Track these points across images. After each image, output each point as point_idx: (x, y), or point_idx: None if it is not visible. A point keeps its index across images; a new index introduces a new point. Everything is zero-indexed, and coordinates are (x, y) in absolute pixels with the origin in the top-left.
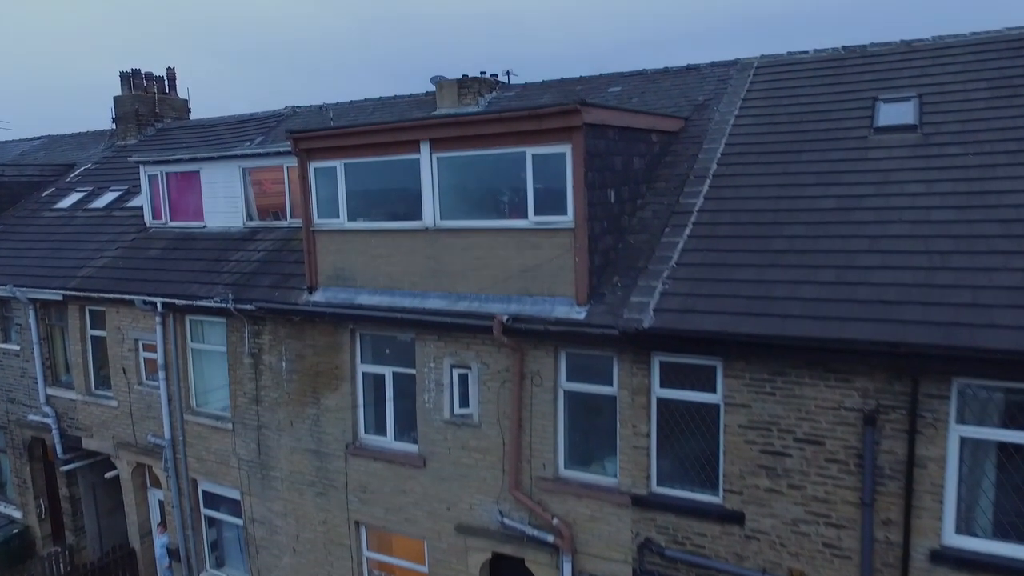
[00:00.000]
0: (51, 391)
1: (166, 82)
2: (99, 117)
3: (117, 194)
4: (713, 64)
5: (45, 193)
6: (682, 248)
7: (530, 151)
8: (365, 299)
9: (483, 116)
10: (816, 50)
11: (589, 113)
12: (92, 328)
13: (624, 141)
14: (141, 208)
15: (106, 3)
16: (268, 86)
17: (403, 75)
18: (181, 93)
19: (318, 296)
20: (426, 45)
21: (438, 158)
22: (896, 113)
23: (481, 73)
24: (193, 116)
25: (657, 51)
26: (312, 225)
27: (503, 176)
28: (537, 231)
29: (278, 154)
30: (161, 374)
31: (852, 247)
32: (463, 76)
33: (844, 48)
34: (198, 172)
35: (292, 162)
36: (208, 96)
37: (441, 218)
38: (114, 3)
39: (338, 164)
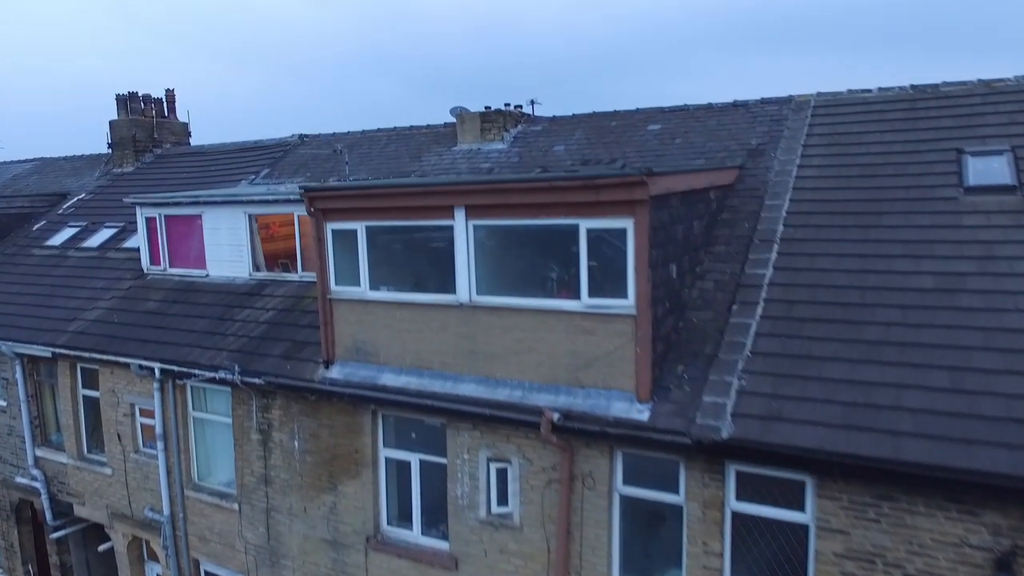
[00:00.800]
0: (40, 452)
1: (165, 105)
2: (95, 116)
3: (112, 232)
4: (763, 101)
5: (36, 227)
6: (755, 332)
7: (584, 224)
8: (389, 379)
9: (530, 183)
10: (880, 89)
11: (656, 183)
12: (84, 388)
13: (686, 206)
14: (138, 250)
15: (106, 1)
16: (265, 86)
17: (401, 75)
18: (181, 115)
19: (335, 372)
20: (424, 44)
21: (475, 226)
22: (989, 170)
23: (505, 105)
24: (190, 114)
25: (655, 51)
26: (329, 293)
27: (551, 250)
28: (591, 315)
29: (288, 201)
30: (160, 444)
31: (963, 341)
32: (486, 108)
33: (913, 87)
34: (200, 216)
35: (304, 209)
36: (206, 95)
37: (478, 293)
38: (114, 2)
39: (359, 226)
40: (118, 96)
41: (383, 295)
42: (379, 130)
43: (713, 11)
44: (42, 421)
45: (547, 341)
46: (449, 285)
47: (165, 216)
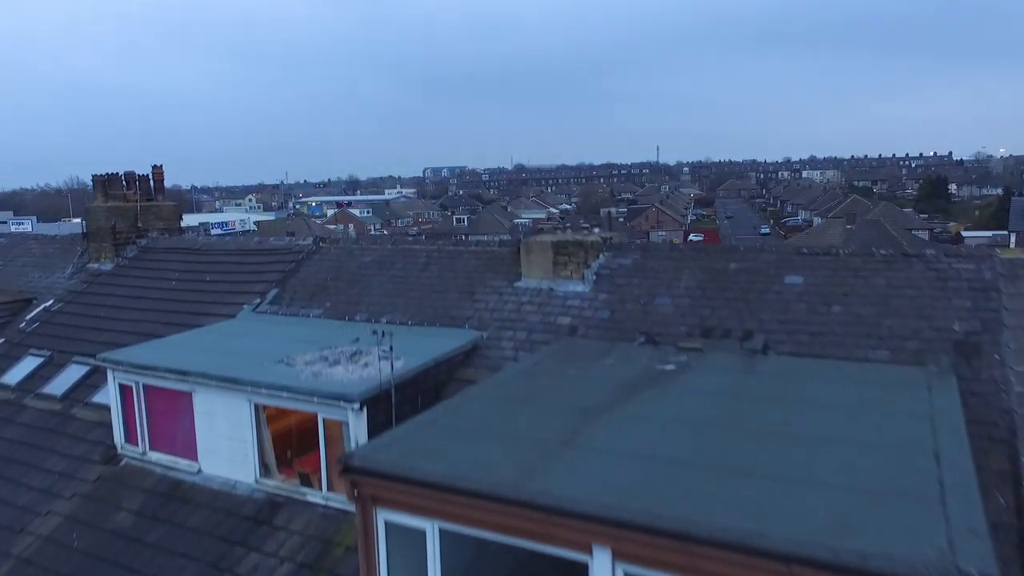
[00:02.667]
0: None
1: (152, 184)
2: (94, 117)
3: (83, 372)
4: (947, 253)
5: None
6: None
7: None
8: None
9: (742, 549)
10: None
11: None
12: None
13: None
14: (110, 410)
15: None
16: (262, 85)
17: (399, 72)
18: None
19: None
20: (421, 43)
21: (626, 572)
22: None
23: (584, 226)
24: (188, 117)
25: (655, 52)
26: None
27: None
28: None
29: (309, 398)
30: None
31: None
32: (559, 240)
33: None
34: (190, 394)
35: (329, 411)
36: (203, 95)
37: None
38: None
39: (429, 525)
40: (95, 178)
41: None
42: (413, 236)
43: (702, 11)
44: None
45: None
46: None
47: (144, 386)
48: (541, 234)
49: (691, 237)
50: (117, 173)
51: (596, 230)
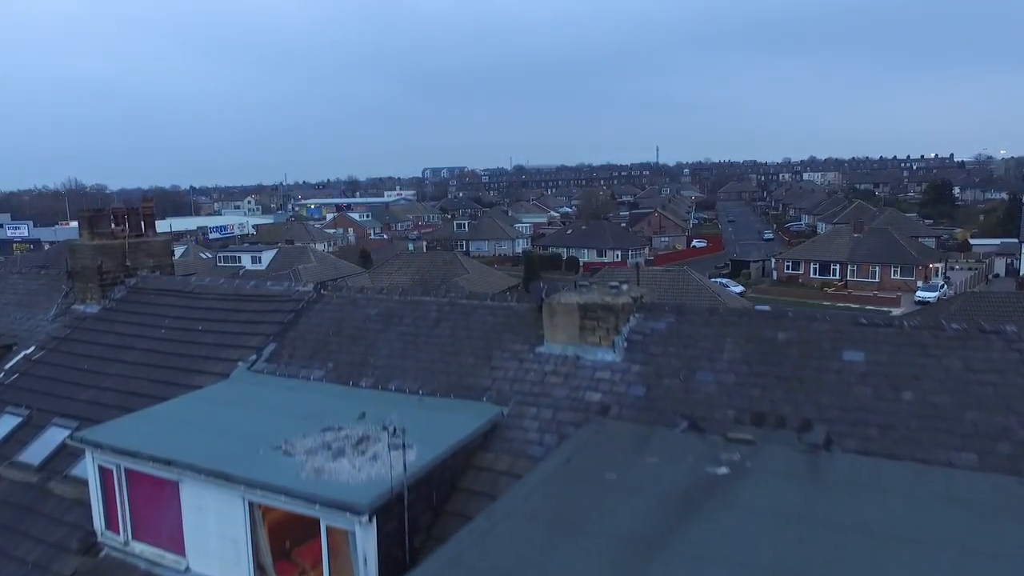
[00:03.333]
0: None
1: (141, 219)
2: (92, 118)
3: (63, 435)
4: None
5: None
6: None
7: None
8: None
9: None
10: None
11: None
12: None
13: None
14: (88, 487)
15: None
16: (260, 85)
17: (398, 73)
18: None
19: None
20: (418, 42)
21: None
22: None
23: (613, 285)
24: (187, 118)
25: (654, 53)
26: None
27: None
28: None
29: (310, 504)
30: None
31: None
32: (586, 303)
33: None
34: (177, 483)
35: (333, 519)
36: (200, 97)
37: None
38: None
39: None
40: (81, 213)
41: None
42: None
43: (695, 13)
44: None
45: None
46: None
47: (126, 469)
48: (566, 294)
49: (694, 243)
50: (104, 209)
51: (624, 286)
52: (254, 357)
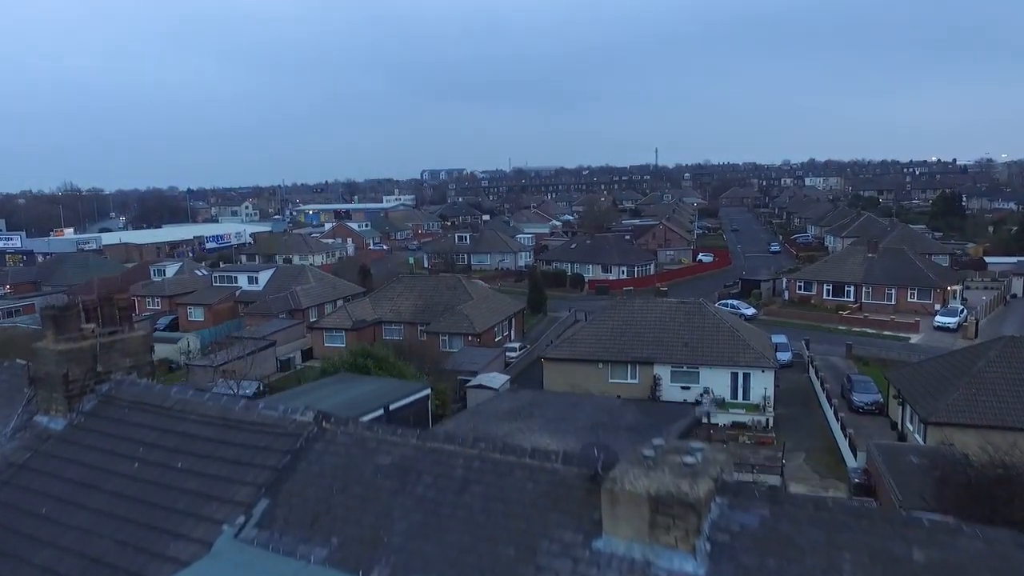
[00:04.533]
0: None
1: (118, 313)
2: (87, 121)
3: None
4: None
5: None
6: None
7: None
8: None
9: None
10: None
11: None
12: None
13: None
14: None
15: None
16: (259, 87)
17: (397, 75)
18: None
19: None
20: (416, 42)
21: None
22: None
23: (687, 462)
24: (185, 119)
25: (654, 53)
26: None
27: None
28: None
29: None
30: None
31: None
32: (658, 494)
33: None
34: None
35: None
36: (200, 98)
37: None
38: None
39: None
40: (44, 311)
41: None
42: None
43: (695, 13)
44: None
45: None
46: None
47: None
48: (630, 472)
49: (700, 257)
50: (74, 303)
51: (699, 454)
52: (242, 519)
